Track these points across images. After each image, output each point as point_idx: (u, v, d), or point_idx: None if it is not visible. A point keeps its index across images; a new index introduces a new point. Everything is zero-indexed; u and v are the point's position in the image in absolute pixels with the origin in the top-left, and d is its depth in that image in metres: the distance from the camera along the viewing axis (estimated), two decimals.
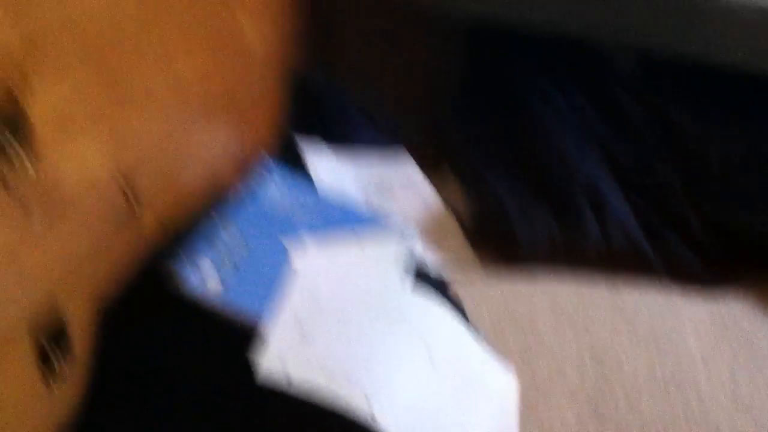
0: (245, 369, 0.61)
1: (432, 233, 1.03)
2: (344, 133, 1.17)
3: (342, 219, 0.84)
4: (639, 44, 1.29)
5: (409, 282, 0.80)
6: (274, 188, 0.84)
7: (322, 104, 1.17)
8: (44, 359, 0.55)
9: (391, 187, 1.12)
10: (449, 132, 1.31)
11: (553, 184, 1.11)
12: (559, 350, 0.86)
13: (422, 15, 1.31)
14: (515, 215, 1.04)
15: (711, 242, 1.06)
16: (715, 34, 1.14)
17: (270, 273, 0.70)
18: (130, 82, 0.63)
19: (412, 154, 1.19)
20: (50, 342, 0.55)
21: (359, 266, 0.79)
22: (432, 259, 0.96)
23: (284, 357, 0.62)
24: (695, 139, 1.21)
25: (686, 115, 1.31)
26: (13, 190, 0.49)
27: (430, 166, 1.18)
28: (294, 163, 1.03)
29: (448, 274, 0.94)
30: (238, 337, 0.63)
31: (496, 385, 0.76)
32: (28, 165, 0.50)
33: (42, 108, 0.50)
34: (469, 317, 0.83)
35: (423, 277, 0.84)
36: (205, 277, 0.66)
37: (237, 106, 0.90)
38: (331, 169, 1.10)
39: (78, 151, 0.56)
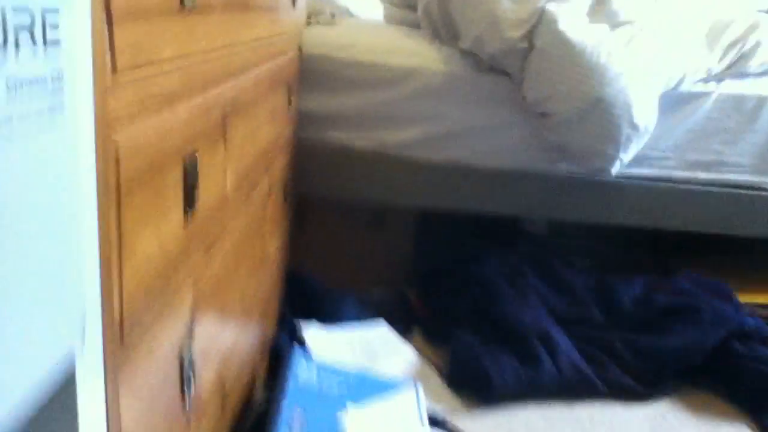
0: None
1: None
2: (332, 313, 1.42)
3: (366, 386, 1.08)
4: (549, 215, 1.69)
5: (426, 422, 1.03)
6: (305, 367, 1.07)
7: (312, 293, 1.43)
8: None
9: (375, 350, 1.36)
10: (413, 303, 1.59)
11: (512, 335, 1.38)
12: None
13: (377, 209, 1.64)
14: (487, 361, 1.29)
15: (635, 363, 1.35)
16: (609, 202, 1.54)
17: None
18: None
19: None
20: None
21: (391, 416, 1.02)
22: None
23: None
24: (609, 287, 1.57)
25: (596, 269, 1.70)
26: None
27: (401, 332, 1.45)
28: (295, 341, 1.27)
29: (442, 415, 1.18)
30: None
31: None
32: None
33: None
34: None
35: (432, 419, 1.08)
36: None
37: (263, 303, 1.15)
38: (325, 341, 1.33)
39: None
